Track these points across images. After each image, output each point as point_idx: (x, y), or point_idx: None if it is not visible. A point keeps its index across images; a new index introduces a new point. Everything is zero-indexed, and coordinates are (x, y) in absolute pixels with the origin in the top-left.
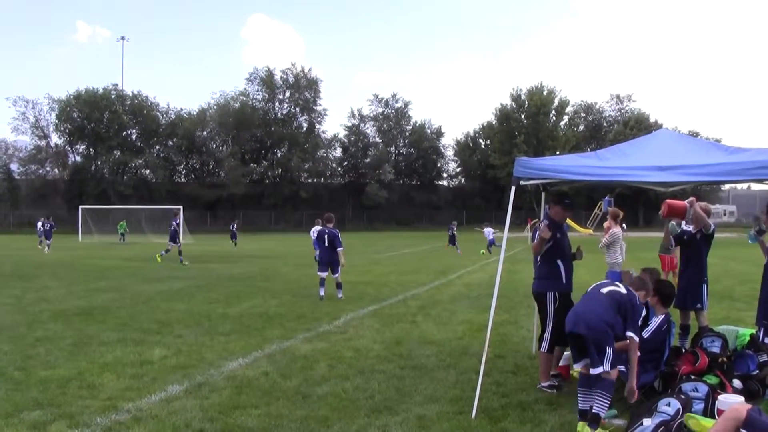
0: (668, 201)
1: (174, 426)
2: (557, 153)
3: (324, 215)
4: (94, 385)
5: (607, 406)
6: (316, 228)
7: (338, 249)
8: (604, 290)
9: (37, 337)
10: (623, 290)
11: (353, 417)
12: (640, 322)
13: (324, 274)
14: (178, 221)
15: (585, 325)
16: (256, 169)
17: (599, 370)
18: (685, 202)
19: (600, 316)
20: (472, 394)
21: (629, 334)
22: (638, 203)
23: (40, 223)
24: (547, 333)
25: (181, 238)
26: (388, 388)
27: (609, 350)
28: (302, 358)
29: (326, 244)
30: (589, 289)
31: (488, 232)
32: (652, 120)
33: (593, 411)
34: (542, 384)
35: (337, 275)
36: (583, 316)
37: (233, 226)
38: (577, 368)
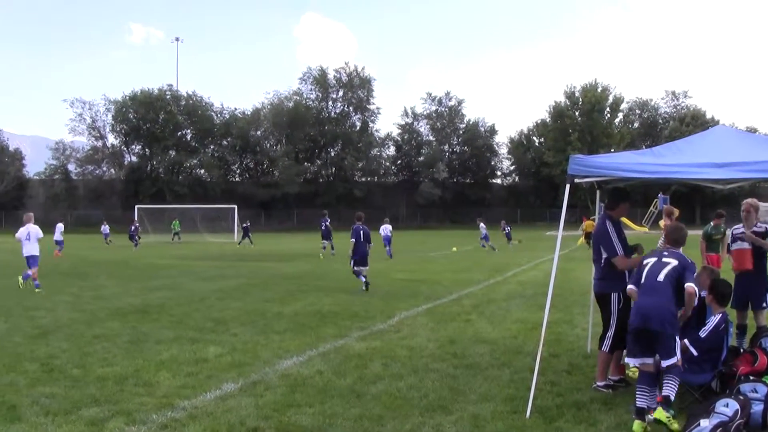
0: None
1: (229, 424)
2: (612, 150)
3: (356, 214)
4: (150, 383)
5: (676, 388)
6: (384, 226)
7: (369, 245)
8: (661, 276)
9: (95, 335)
10: (674, 261)
11: (407, 416)
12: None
13: (364, 269)
14: (328, 221)
15: (657, 321)
16: (309, 168)
17: (673, 360)
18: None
19: (668, 309)
20: (527, 394)
21: (688, 285)
22: (694, 201)
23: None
24: (610, 333)
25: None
26: (442, 387)
27: (678, 339)
28: (356, 356)
29: (362, 239)
30: (644, 275)
31: (482, 227)
32: (708, 116)
33: (664, 393)
34: (598, 384)
35: (367, 268)
36: (653, 311)
37: (245, 225)
38: (634, 364)
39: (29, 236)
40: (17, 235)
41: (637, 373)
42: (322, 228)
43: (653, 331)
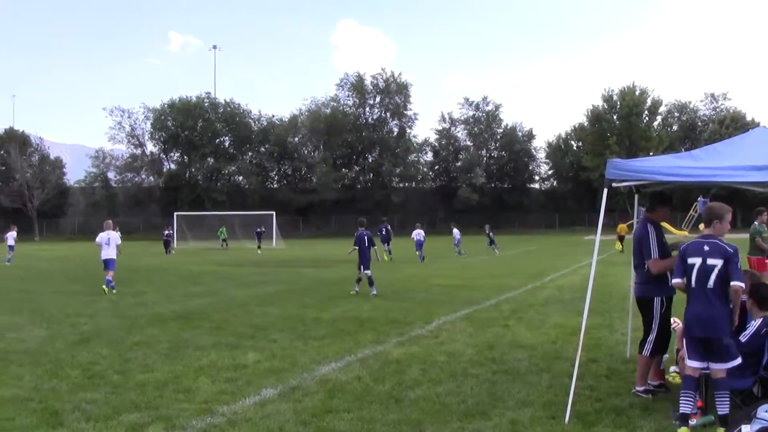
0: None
1: (268, 429)
2: (650, 154)
3: (358, 220)
4: (189, 389)
5: (728, 401)
6: (417, 231)
7: (374, 247)
8: (711, 283)
9: (135, 341)
10: (719, 261)
11: (446, 421)
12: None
13: (368, 272)
14: (388, 226)
15: (717, 329)
16: (347, 174)
17: (736, 362)
18: None
19: (722, 314)
20: (565, 399)
21: (734, 283)
22: (734, 204)
23: (166, 232)
24: (651, 337)
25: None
26: (481, 393)
27: (732, 342)
28: (395, 362)
29: (366, 245)
30: (693, 278)
31: (456, 232)
32: (748, 118)
33: (721, 413)
34: (638, 389)
35: (369, 271)
36: (711, 321)
37: (259, 230)
38: (693, 365)
39: (109, 242)
40: (97, 239)
41: (677, 378)
42: (383, 233)
43: (714, 339)
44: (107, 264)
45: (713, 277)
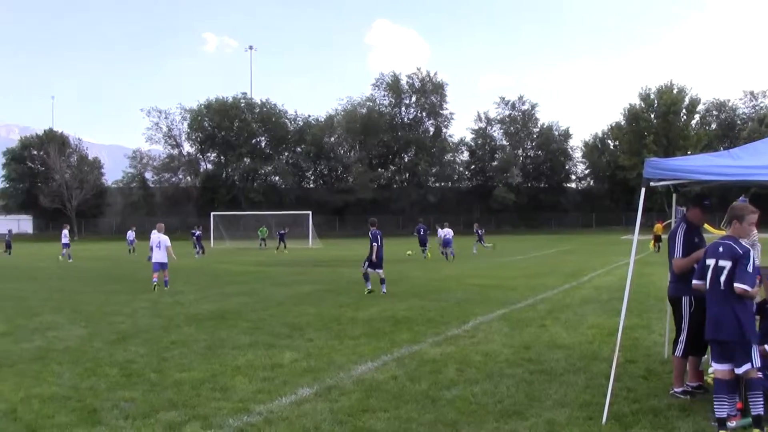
0: None
1: (304, 428)
2: (688, 153)
3: (370, 220)
4: (226, 388)
5: (763, 402)
6: (445, 230)
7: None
8: (722, 284)
9: (172, 340)
10: (728, 263)
11: (482, 421)
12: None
13: (381, 270)
14: (425, 227)
15: (727, 331)
16: (383, 174)
17: (747, 366)
18: None
19: (736, 316)
20: (603, 400)
21: (736, 285)
22: None
23: (197, 232)
24: (682, 338)
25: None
26: (517, 393)
27: (754, 346)
28: (431, 361)
29: (379, 242)
30: (708, 279)
31: (443, 233)
32: None
33: (754, 413)
34: (675, 390)
35: (381, 271)
36: (723, 322)
37: (282, 231)
38: (718, 369)
39: (159, 244)
40: (150, 242)
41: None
42: (420, 233)
43: (726, 342)
44: (159, 267)
45: (723, 278)
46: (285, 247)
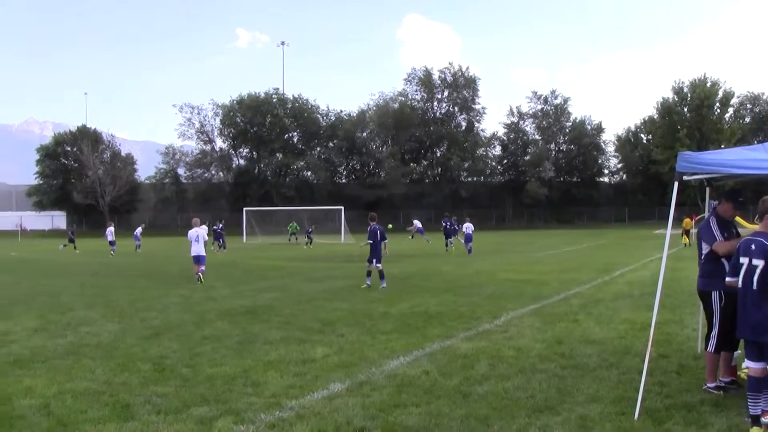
0: None
1: (336, 423)
2: (722, 146)
3: (370, 215)
4: (258, 383)
5: None
6: (467, 224)
7: (384, 241)
8: (755, 284)
9: (205, 336)
10: (761, 262)
11: (514, 416)
12: None
13: (380, 265)
14: (451, 220)
15: (759, 332)
16: (415, 168)
17: None
18: None
19: None
20: (635, 395)
21: None
22: None
23: (220, 225)
24: (714, 332)
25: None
26: (549, 388)
27: None
28: (462, 356)
29: (378, 239)
30: (740, 277)
31: (466, 227)
32: None
33: None
34: (708, 385)
35: (380, 265)
36: (758, 324)
37: (309, 230)
38: (752, 366)
39: (198, 238)
40: (189, 236)
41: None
42: (447, 227)
43: (759, 343)
44: (198, 260)
45: (756, 278)
46: (311, 242)
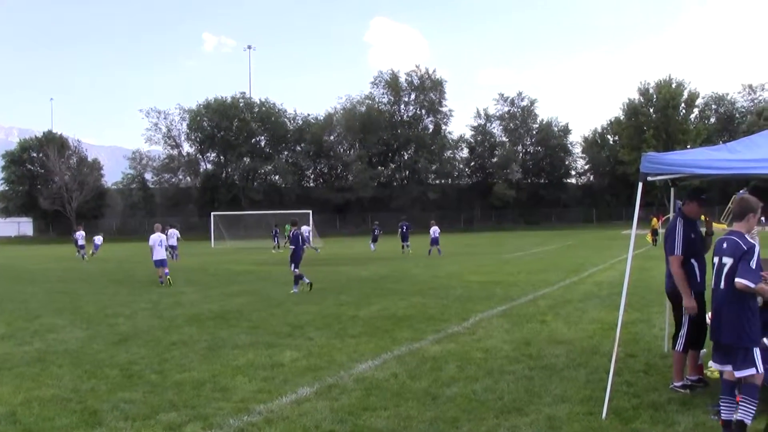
0: None
1: (304, 427)
2: (688, 147)
3: (291, 220)
4: (227, 388)
5: (753, 412)
6: (433, 228)
7: (306, 246)
8: (722, 283)
9: (173, 341)
10: (729, 260)
11: (482, 418)
12: None
13: (297, 270)
14: (407, 224)
15: (726, 334)
16: (383, 171)
17: (751, 371)
18: None
19: (739, 318)
20: (603, 395)
21: (737, 280)
22: None
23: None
24: (683, 332)
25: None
26: (518, 389)
27: (756, 350)
28: (431, 359)
29: (300, 243)
30: (713, 276)
31: (433, 230)
32: None
33: (737, 418)
34: (675, 384)
35: (298, 270)
36: (723, 323)
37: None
38: (719, 368)
39: (161, 243)
40: (151, 241)
41: (716, 373)
42: (403, 230)
43: (725, 344)
44: (162, 263)
45: (723, 276)
46: (279, 246)
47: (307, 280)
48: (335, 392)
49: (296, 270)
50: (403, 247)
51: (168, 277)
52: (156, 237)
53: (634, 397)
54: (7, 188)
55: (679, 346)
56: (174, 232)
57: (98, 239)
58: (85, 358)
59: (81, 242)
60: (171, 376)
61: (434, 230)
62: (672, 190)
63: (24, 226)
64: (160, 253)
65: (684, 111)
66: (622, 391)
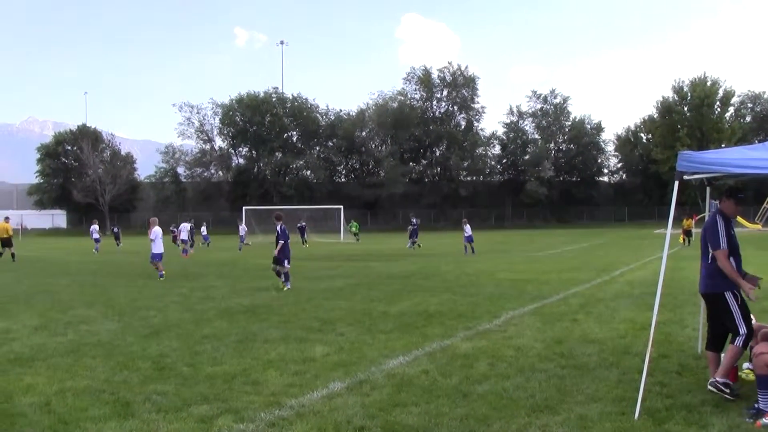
0: None
1: (335, 422)
2: (722, 146)
3: (275, 214)
4: (258, 381)
5: None
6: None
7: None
8: None
9: (204, 334)
10: None
11: (513, 416)
12: None
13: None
14: (418, 222)
15: None
16: (414, 168)
17: None
18: None
19: None
20: (635, 395)
21: None
22: None
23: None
24: (743, 330)
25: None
26: (549, 388)
27: None
28: (462, 356)
29: (287, 238)
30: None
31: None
32: None
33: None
34: (717, 379)
35: (289, 266)
36: None
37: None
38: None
39: (161, 237)
40: (154, 235)
41: (751, 375)
42: (415, 226)
43: None
44: (161, 257)
45: None
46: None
47: (284, 282)
48: (366, 388)
49: (288, 265)
50: (411, 243)
51: (162, 271)
52: (158, 230)
53: (667, 397)
54: (41, 181)
55: (739, 341)
56: (186, 226)
57: (94, 228)
58: (117, 349)
59: (96, 236)
60: (202, 369)
61: (467, 228)
62: (707, 189)
63: (58, 218)
64: (160, 247)
65: (719, 109)
66: (655, 391)
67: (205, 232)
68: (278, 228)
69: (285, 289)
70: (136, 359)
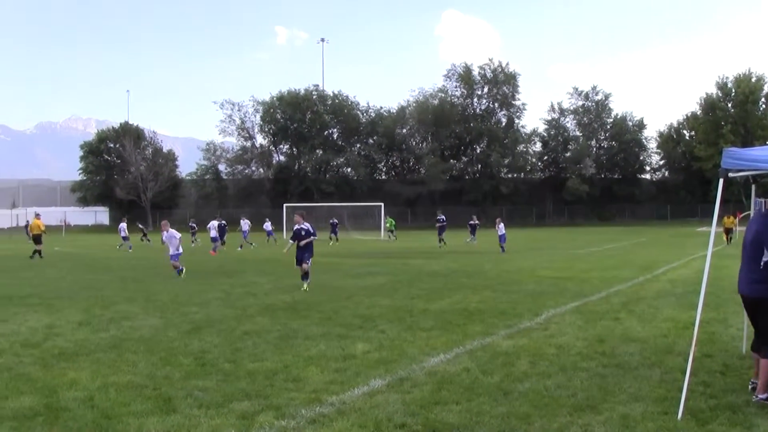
0: None
1: (376, 420)
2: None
3: (298, 212)
4: (299, 378)
5: None
6: (500, 225)
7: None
8: None
9: (245, 331)
10: None
11: (555, 415)
12: None
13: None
14: (444, 218)
15: None
16: (455, 165)
17: None
18: None
19: None
20: (678, 394)
21: None
22: None
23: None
24: None
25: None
26: (591, 386)
27: None
28: (503, 354)
29: (312, 237)
30: None
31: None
32: None
33: None
34: (760, 396)
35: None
36: None
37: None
38: None
39: (179, 237)
40: (171, 237)
41: None
42: (442, 223)
43: None
44: (177, 257)
45: None
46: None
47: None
48: (407, 385)
49: (308, 264)
50: (439, 240)
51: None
52: (174, 232)
53: (710, 398)
54: (85, 178)
55: None
56: (214, 224)
57: (267, 226)
58: (159, 345)
59: (123, 234)
60: (244, 365)
61: (501, 227)
62: (752, 187)
63: (100, 215)
64: (175, 248)
65: (764, 106)
66: (699, 391)
67: (269, 228)
68: (303, 226)
69: (304, 288)
70: (178, 355)
